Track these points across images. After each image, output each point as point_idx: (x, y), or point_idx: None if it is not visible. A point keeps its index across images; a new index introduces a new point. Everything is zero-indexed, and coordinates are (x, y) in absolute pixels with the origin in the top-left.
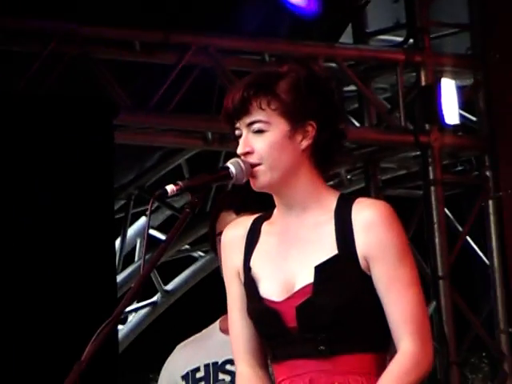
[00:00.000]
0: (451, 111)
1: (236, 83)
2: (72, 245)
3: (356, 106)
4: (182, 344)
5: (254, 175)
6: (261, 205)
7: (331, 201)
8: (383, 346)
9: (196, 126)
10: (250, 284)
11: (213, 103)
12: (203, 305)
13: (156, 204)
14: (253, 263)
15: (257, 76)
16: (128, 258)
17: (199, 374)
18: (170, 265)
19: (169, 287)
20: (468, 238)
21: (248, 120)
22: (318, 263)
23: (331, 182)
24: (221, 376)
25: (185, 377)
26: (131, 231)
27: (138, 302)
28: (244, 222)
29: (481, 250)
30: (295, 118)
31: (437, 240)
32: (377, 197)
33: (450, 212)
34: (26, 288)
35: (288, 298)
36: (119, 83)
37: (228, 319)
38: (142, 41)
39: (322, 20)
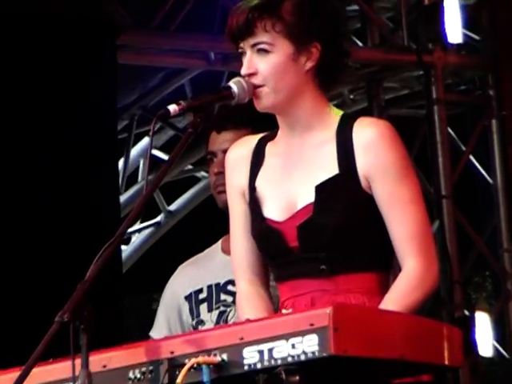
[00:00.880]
0: (454, 30)
1: (240, 3)
2: (76, 167)
3: (359, 25)
4: (185, 264)
5: (257, 96)
6: (241, 122)
7: (334, 120)
8: (385, 266)
9: (199, 46)
10: (254, 204)
11: (215, 22)
12: (206, 225)
13: (159, 124)
14: (258, 184)
15: None
16: (131, 179)
17: (202, 295)
18: (173, 185)
19: (172, 207)
20: (471, 157)
21: (252, 41)
22: (319, 182)
23: (334, 102)
24: (223, 297)
25: (188, 297)
26: (134, 151)
27: (141, 223)
28: (248, 142)
29: (484, 169)
30: (299, 40)
31: (440, 159)
32: (380, 116)
33: (454, 131)
34: (30, 209)
35: (290, 218)
36: (121, 3)
37: (230, 238)
38: None
39: None
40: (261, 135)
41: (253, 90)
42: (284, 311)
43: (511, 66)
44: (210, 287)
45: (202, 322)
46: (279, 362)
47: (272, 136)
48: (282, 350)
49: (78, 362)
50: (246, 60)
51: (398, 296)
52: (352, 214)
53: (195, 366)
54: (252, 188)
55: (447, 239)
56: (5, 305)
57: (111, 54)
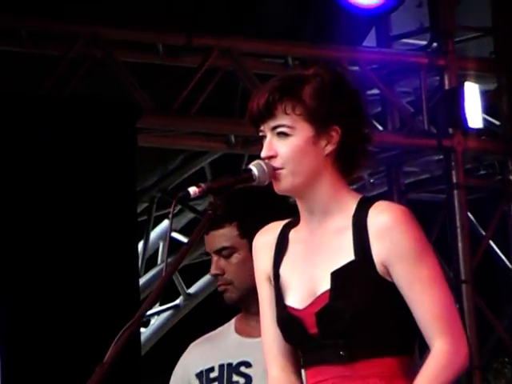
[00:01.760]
0: (474, 115)
1: (261, 86)
2: (95, 248)
3: (379, 109)
4: (197, 341)
5: (276, 178)
6: (223, 220)
7: (351, 205)
8: (405, 350)
9: (219, 129)
10: (277, 292)
11: (236, 106)
12: (225, 308)
13: (179, 207)
14: (281, 271)
15: (282, 80)
16: (150, 261)
17: (213, 374)
18: (192, 268)
19: (191, 290)
20: (491, 242)
21: (272, 124)
22: (334, 269)
23: (354, 186)
24: (235, 378)
25: (199, 375)
26: (154, 234)
27: (160, 305)
28: (273, 229)
29: (504, 254)
30: (319, 124)
31: (460, 244)
32: (399, 200)
33: (473, 216)
34: (50, 291)
35: (309, 305)
36: (142, 86)
37: (260, 322)
38: (165, 43)
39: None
40: (286, 221)
41: (272, 172)
42: None
43: None
44: (221, 366)
45: None
46: None
47: (296, 222)
48: None
49: None
50: (266, 142)
51: (428, 378)
52: (368, 299)
53: None
54: (276, 276)
55: (466, 324)
56: None
57: (131, 136)
